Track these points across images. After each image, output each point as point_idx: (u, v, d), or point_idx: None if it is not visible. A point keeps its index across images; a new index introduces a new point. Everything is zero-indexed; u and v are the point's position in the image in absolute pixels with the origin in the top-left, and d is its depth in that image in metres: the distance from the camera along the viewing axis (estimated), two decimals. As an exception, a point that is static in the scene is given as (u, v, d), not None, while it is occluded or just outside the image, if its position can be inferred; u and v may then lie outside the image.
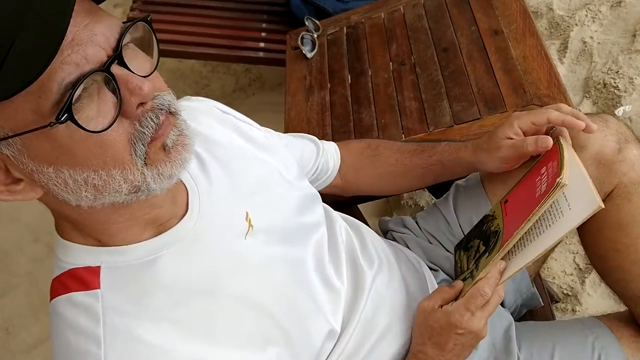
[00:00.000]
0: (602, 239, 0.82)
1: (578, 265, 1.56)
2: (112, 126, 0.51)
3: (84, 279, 0.58)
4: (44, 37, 0.44)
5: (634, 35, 1.91)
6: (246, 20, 2.19)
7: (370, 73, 1.50)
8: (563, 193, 0.68)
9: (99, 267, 0.59)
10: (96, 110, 0.50)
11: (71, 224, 0.60)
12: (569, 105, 1.18)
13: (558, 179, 0.66)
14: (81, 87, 0.47)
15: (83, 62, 0.48)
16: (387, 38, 1.58)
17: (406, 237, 1.02)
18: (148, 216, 0.61)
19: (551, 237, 0.67)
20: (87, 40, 0.48)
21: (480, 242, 0.80)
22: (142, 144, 0.53)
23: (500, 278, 0.71)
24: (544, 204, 0.67)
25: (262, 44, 2.11)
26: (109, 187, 0.53)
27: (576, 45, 2.00)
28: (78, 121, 0.48)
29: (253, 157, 0.79)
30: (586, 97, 1.87)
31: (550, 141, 0.75)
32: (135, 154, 0.53)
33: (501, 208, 0.83)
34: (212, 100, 0.83)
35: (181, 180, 0.66)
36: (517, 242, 0.71)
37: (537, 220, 0.69)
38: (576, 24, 2.06)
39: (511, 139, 0.81)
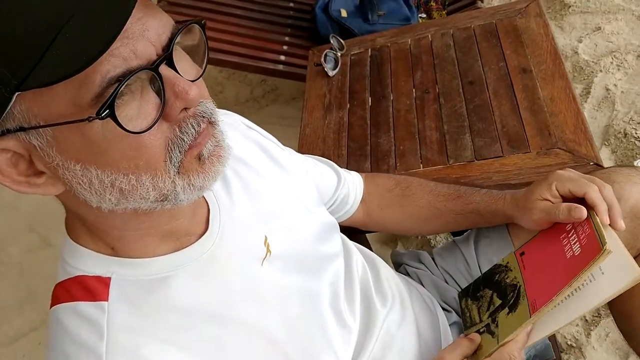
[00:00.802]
0: (630, 297, 0.78)
1: (584, 316, 1.53)
2: (152, 129, 0.48)
3: (92, 289, 0.55)
4: (100, 24, 0.41)
5: (658, 88, 1.90)
6: (269, 32, 2.17)
7: (392, 98, 1.48)
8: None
9: (109, 278, 0.56)
10: (137, 109, 0.47)
11: (85, 226, 0.57)
12: (593, 153, 1.17)
13: (605, 246, 0.63)
14: (125, 83, 0.45)
15: (131, 56, 0.45)
16: (412, 64, 1.56)
17: (421, 274, 0.99)
18: (167, 227, 0.58)
19: (584, 304, 0.64)
20: (139, 34, 0.46)
21: (493, 294, 0.77)
22: (179, 151, 0.51)
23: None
24: (586, 270, 0.64)
25: (282, 57, 2.09)
26: (136, 192, 0.50)
27: (599, 92, 1.99)
28: (118, 119, 0.45)
29: (274, 178, 0.76)
30: (605, 144, 1.85)
31: (584, 214, 0.71)
32: (170, 161, 0.50)
33: (517, 260, 0.79)
34: (236, 114, 0.81)
35: (203, 196, 0.63)
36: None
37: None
38: (600, 70, 2.05)
39: (547, 199, 0.78)
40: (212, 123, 0.54)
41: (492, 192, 0.88)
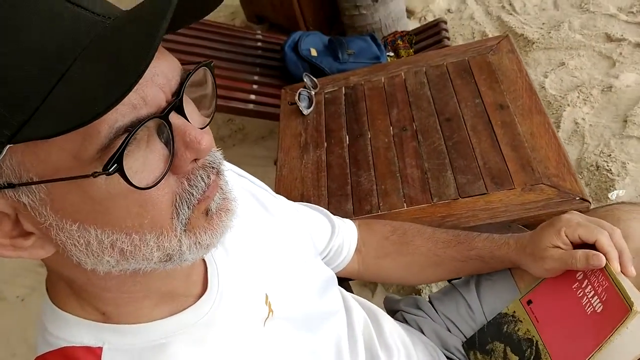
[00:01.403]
0: None
1: None
2: (160, 183, 0.43)
3: None
4: (111, 71, 0.36)
5: (625, 121, 1.95)
6: (238, 71, 2.15)
7: (369, 136, 1.47)
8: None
9: (100, 348, 0.49)
10: (143, 162, 0.42)
11: (71, 289, 0.51)
12: (578, 188, 1.17)
13: (634, 307, 0.61)
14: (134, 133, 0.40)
15: (141, 104, 0.41)
16: (387, 102, 1.56)
17: (420, 321, 0.94)
18: (164, 288, 0.52)
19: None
20: (148, 79, 0.42)
21: (506, 348, 0.74)
22: (188, 207, 0.46)
23: None
24: (615, 332, 0.61)
25: (252, 96, 2.07)
26: (139, 253, 0.45)
27: (568, 126, 2.04)
28: (126, 173, 0.40)
29: (271, 231, 0.71)
30: (578, 177, 1.88)
31: (603, 262, 0.69)
32: (177, 218, 0.46)
33: (525, 309, 0.76)
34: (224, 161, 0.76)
35: None
36: None
37: None
38: (568, 105, 2.10)
39: (558, 247, 0.75)
40: (219, 173, 0.50)
41: (494, 237, 0.85)
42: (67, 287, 0.51)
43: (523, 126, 1.35)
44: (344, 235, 0.88)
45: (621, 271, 0.67)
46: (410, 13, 3.09)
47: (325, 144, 1.50)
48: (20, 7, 0.37)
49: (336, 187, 1.36)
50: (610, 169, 1.80)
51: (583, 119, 2.03)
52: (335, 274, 0.85)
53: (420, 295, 1.62)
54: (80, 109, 0.35)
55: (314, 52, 2.09)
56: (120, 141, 0.39)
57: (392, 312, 1.02)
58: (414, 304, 0.99)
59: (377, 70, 1.72)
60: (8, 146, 0.37)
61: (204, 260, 0.59)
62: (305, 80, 1.66)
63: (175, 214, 0.45)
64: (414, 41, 2.35)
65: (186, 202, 0.46)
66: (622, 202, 0.73)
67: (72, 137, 0.38)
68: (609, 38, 2.36)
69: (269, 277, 0.65)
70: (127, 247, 0.44)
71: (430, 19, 3.03)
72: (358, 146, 1.45)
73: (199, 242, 0.47)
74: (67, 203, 0.41)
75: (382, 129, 1.48)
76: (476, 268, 0.86)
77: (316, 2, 2.85)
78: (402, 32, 2.43)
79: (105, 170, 0.39)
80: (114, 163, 0.39)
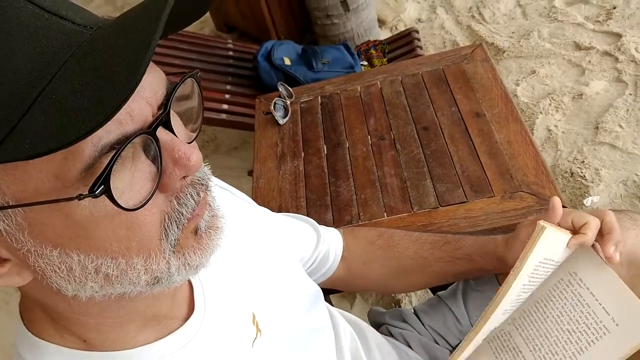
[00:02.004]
0: None
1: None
2: (148, 203, 0.41)
3: None
4: (103, 85, 0.33)
5: (597, 128, 2.00)
6: (210, 81, 2.13)
7: (347, 145, 1.47)
8: (601, 305, 0.64)
9: None
10: (129, 181, 0.40)
11: (49, 316, 0.48)
12: (557, 195, 1.19)
13: (540, 223, 0.66)
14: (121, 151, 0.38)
15: (127, 119, 0.38)
16: (364, 111, 1.56)
17: (407, 334, 0.93)
18: (149, 311, 0.50)
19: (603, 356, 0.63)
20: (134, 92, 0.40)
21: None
22: (177, 227, 0.44)
23: None
24: (528, 252, 0.66)
25: (225, 106, 2.05)
26: (125, 277, 0.42)
27: (542, 133, 2.08)
28: (113, 195, 0.38)
29: (256, 246, 0.70)
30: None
31: (540, 226, 0.69)
32: (166, 239, 0.43)
33: None
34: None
35: None
36: None
37: (573, 333, 0.65)
38: (540, 112, 2.14)
39: None
40: (207, 189, 0.48)
41: (480, 237, 0.85)
42: (43, 313, 0.48)
43: (500, 134, 1.37)
44: (329, 242, 0.87)
45: (605, 255, 0.67)
46: (381, 22, 3.12)
47: (303, 154, 1.49)
48: None
49: (315, 198, 1.35)
50: (584, 176, 1.84)
51: (556, 126, 2.08)
52: (321, 284, 0.85)
53: (400, 306, 1.62)
54: (61, 129, 0.33)
55: (287, 61, 2.09)
56: (106, 160, 0.37)
57: (377, 325, 1.01)
58: (400, 316, 0.98)
59: (352, 79, 1.73)
60: None
61: (189, 280, 0.57)
62: (280, 89, 1.66)
63: (164, 235, 0.43)
64: (387, 50, 2.37)
65: (175, 222, 0.44)
66: (612, 210, 0.74)
67: (52, 157, 0.36)
68: (578, 46, 2.42)
69: (256, 296, 0.64)
70: (113, 271, 0.42)
71: (401, 28, 3.07)
72: (336, 156, 1.45)
73: (188, 264, 0.45)
74: (46, 227, 0.39)
75: (360, 138, 1.48)
76: (464, 269, 0.85)
77: (287, 11, 2.85)
78: (374, 41, 2.45)
79: (92, 193, 0.37)
80: (101, 184, 0.37)
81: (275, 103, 1.60)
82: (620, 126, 1.96)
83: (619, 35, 2.38)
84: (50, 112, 0.34)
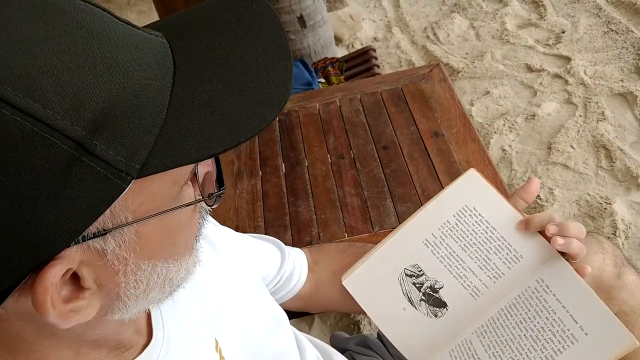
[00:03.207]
0: None
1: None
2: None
3: None
4: (257, 99, 0.38)
5: (549, 148, 2.08)
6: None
7: (307, 164, 1.46)
8: (568, 313, 0.65)
9: None
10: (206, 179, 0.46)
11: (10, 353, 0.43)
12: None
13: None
14: None
15: None
16: (323, 129, 1.57)
17: (371, 363, 0.92)
18: (113, 339, 0.48)
19: None
20: None
21: None
22: (204, 221, 0.49)
23: None
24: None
25: (178, 122, 2.01)
26: (179, 278, 0.45)
27: (496, 153, 2.13)
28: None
29: (217, 267, 0.67)
30: (508, 204, 1.97)
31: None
32: (198, 234, 0.47)
33: None
34: None
35: None
36: None
37: (537, 341, 0.66)
38: (495, 132, 2.21)
39: None
40: None
41: None
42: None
43: (459, 154, 1.40)
44: (294, 260, 0.86)
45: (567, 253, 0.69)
46: (338, 40, 3.16)
47: (261, 173, 1.47)
48: (101, 38, 0.35)
49: (274, 218, 1.34)
50: (539, 195, 1.90)
51: (510, 146, 2.14)
52: (284, 304, 0.83)
53: (359, 327, 1.61)
54: (226, 132, 0.35)
55: (243, 77, 2.08)
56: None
57: (341, 351, 0.99)
58: (364, 343, 0.97)
59: (311, 96, 1.73)
60: (133, 181, 0.34)
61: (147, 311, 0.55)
62: (237, 106, 1.64)
63: (198, 230, 0.47)
64: (344, 68, 2.39)
65: (204, 216, 0.48)
66: None
67: None
68: (530, 68, 2.52)
69: (218, 320, 0.62)
70: (174, 274, 0.43)
71: (358, 46, 3.12)
72: (295, 174, 1.44)
73: (195, 262, 0.47)
74: (149, 240, 0.39)
75: (320, 157, 1.48)
76: None
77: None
78: (332, 58, 2.47)
79: (221, 190, 0.44)
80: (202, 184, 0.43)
81: (231, 120, 1.59)
82: (572, 147, 2.04)
83: (568, 59, 2.49)
84: (203, 117, 0.36)
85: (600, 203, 1.80)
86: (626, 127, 2.07)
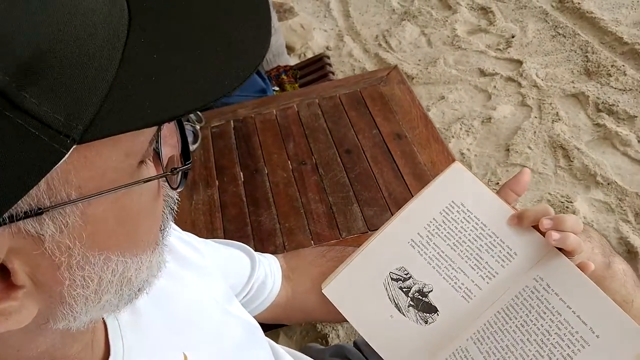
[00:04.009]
0: None
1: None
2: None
3: None
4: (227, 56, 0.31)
5: (507, 150, 2.09)
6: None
7: (266, 171, 1.41)
8: (575, 314, 0.61)
9: None
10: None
11: None
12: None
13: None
14: None
15: None
16: (282, 135, 1.52)
17: (352, 373, 0.87)
18: (60, 354, 0.40)
19: None
20: None
21: None
22: (170, 214, 0.41)
23: None
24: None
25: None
26: (139, 278, 0.37)
27: (455, 156, 2.13)
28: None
29: (183, 275, 0.60)
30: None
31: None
32: (163, 227, 0.40)
33: None
34: None
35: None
36: None
37: (544, 345, 0.61)
38: (453, 136, 2.21)
39: None
40: None
41: None
42: None
43: (423, 155, 1.38)
44: (265, 267, 0.79)
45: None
46: (290, 50, 3.12)
47: (217, 182, 1.41)
48: None
49: (234, 229, 1.27)
50: (499, 197, 1.90)
51: (468, 150, 2.14)
52: (260, 315, 0.77)
53: (327, 341, 1.56)
54: (190, 91, 0.29)
55: (194, 86, 2.00)
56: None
57: (317, 363, 0.94)
58: (341, 353, 0.91)
59: (267, 102, 1.68)
60: (74, 147, 0.27)
61: (103, 321, 0.48)
62: (189, 114, 1.57)
63: (162, 223, 0.40)
64: (298, 75, 2.36)
65: (170, 207, 0.41)
66: None
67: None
68: (483, 73, 2.55)
69: (187, 333, 0.55)
70: (133, 274, 0.36)
71: (310, 55, 3.09)
72: (255, 183, 1.38)
73: (160, 261, 0.40)
74: (100, 226, 0.32)
75: (280, 164, 1.42)
76: None
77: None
78: (285, 66, 2.43)
79: (186, 164, 0.37)
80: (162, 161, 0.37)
81: (184, 128, 1.52)
82: (530, 148, 2.06)
83: (519, 62, 2.53)
84: (162, 72, 0.29)
85: (561, 202, 1.82)
86: (580, 127, 2.11)
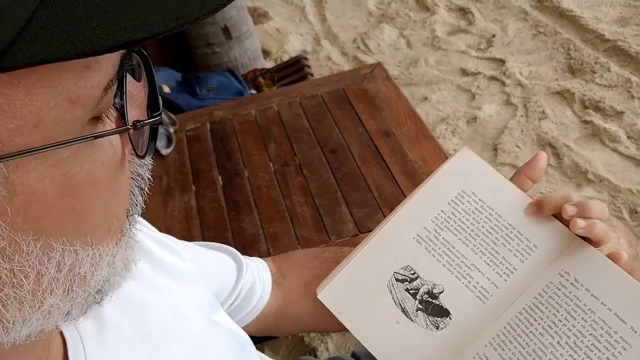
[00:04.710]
0: None
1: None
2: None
3: None
4: None
5: (495, 149, 2.04)
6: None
7: (247, 174, 1.32)
8: (611, 311, 0.53)
9: None
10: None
11: None
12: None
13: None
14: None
15: None
16: (262, 136, 1.43)
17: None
18: None
19: None
20: None
21: None
22: (141, 193, 0.33)
23: None
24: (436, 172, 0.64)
25: (95, 142, 1.81)
26: (95, 277, 0.29)
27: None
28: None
29: (160, 282, 0.52)
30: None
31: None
32: (130, 213, 0.32)
33: None
34: None
35: (57, 328, 0.38)
36: None
37: (578, 349, 0.53)
38: (438, 137, 2.15)
39: None
40: None
41: None
42: None
43: (413, 152, 1.31)
44: (253, 272, 0.70)
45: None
46: (266, 54, 3.05)
47: (194, 187, 1.32)
48: None
49: (213, 236, 1.18)
50: (489, 198, 1.85)
51: (455, 150, 2.09)
52: (248, 326, 0.68)
53: (315, 355, 1.47)
54: (147, 14, 0.21)
55: (166, 89, 1.92)
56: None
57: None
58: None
59: (245, 102, 1.60)
60: None
61: (61, 334, 0.39)
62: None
63: (131, 206, 0.32)
64: (276, 78, 2.28)
65: (139, 187, 0.32)
66: None
67: (74, 66, 0.22)
68: (465, 72, 2.51)
69: (164, 350, 0.46)
70: (88, 270, 0.28)
71: (286, 59, 3.02)
72: (235, 187, 1.29)
73: (127, 258, 0.33)
74: (34, 199, 0.24)
75: (261, 166, 1.34)
76: None
77: (161, 39, 2.68)
78: (262, 69, 2.36)
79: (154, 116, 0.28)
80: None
81: (157, 131, 1.42)
82: (518, 146, 2.01)
83: (502, 61, 2.50)
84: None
85: (553, 201, 1.77)
86: (568, 124, 2.07)
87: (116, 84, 0.26)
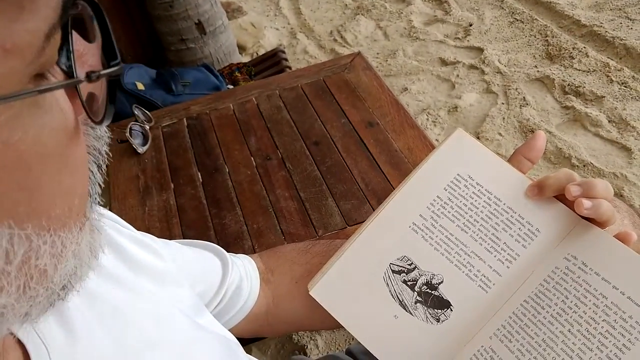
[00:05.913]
0: None
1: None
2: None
3: None
4: None
5: (478, 138, 2.02)
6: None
7: (227, 170, 1.27)
8: (624, 295, 0.50)
9: None
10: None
11: None
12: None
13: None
14: None
15: None
16: (242, 130, 1.39)
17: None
18: None
19: None
20: None
21: None
22: (100, 171, 0.29)
23: None
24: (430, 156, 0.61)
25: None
26: (59, 273, 0.25)
27: (424, 148, 2.05)
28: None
29: (140, 285, 0.47)
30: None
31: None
32: (90, 192, 0.28)
33: None
34: None
35: (14, 336, 0.33)
36: None
37: (592, 337, 0.50)
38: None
39: None
40: None
41: None
42: None
43: (398, 142, 1.27)
44: (240, 270, 0.66)
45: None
46: (241, 49, 2.99)
47: (173, 185, 1.27)
48: None
49: (195, 234, 1.13)
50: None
51: (437, 140, 2.06)
52: (236, 328, 0.63)
53: (305, 353, 1.43)
54: None
55: (140, 86, 1.85)
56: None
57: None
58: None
59: (222, 97, 1.55)
60: None
61: (20, 346, 0.34)
62: (136, 112, 1.42)
63: (90, 186, 0.28)
64: (253, 72, 2.23)
65: (96, 163, 0.29)
66: None
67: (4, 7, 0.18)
68: (444, 62, 2.48)
69: (146, 356, 0.42)
70: (48, 261, 0.24)
71: (262, 54, 2.97)
72: (215, 183, 1.25)
73: (93, 246, 0.28)
74: None
75: (242, 161, 1.29)
76: None
77: (133, 36, 2.60)
78: (238, 63, 2.30)
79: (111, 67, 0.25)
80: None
81: (131, 129, 1.37)
82: (500, 134, 2.00)
83: (480, 49, 2.48)
84: None
85: (538, 188, 1.75)
86: (549, 110, 2.06)
87: (60, 33, 0.22)
